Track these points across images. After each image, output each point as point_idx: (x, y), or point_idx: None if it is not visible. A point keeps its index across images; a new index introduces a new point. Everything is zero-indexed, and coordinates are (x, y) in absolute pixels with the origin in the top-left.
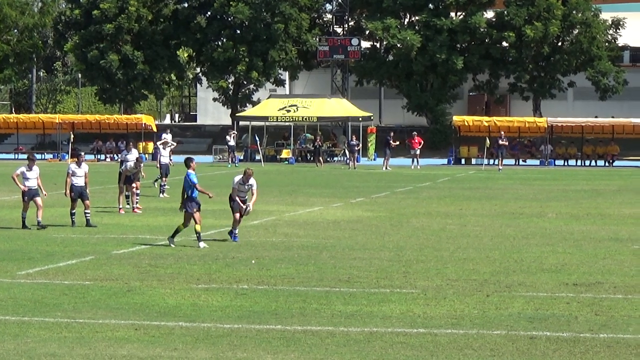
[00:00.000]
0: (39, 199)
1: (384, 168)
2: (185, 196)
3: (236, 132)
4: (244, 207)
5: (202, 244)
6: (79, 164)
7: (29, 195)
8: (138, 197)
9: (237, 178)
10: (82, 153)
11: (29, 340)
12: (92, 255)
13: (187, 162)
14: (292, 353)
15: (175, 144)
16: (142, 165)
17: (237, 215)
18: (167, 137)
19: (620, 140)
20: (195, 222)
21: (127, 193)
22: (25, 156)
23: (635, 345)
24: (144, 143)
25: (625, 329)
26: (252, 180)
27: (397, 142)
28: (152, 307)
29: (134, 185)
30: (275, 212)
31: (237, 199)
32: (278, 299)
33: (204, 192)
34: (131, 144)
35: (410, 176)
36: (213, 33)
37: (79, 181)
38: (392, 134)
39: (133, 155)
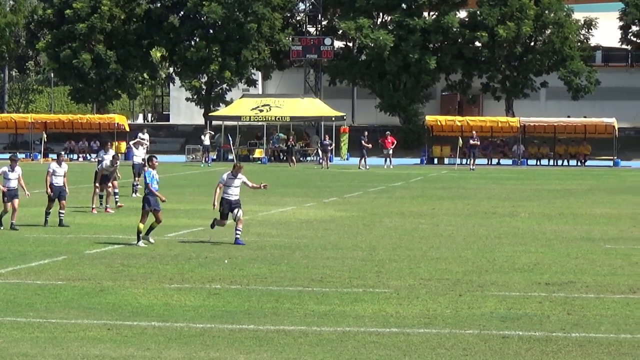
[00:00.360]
0: (16, 201)
1: (366, 167)
2: (144, 194)
3: (212, 132)
4: (262, 186)
5: (141, 243)
6: (59, 163)
7: (9, 196)
8: (117, 197)
9: (227, 173)
10: (63, 152)
11: (1, 341)
12: (64, 255)
13: (148, 161)
14: (265, 353)
15: (148, 143)
16: (118, 163)
17: (225, 221)
18: (144, 137)
19: (592, 140)
20: (156, 220)
21: (101, 193)
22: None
23: (607, 344)
24: (116, 143)
25: (597, 328)
26: (241, 175)
27: (370, 145)
28: (124, 307)
29: (110, 185)
30: (248, 211)
31: (222, 195)
32: (251, 298)
33: (155, 194)
34: (109, 144)
35: (383, 176)
36: (186, 33)
37: (59, 181)
38: (366, 133)
39: (110, 155)
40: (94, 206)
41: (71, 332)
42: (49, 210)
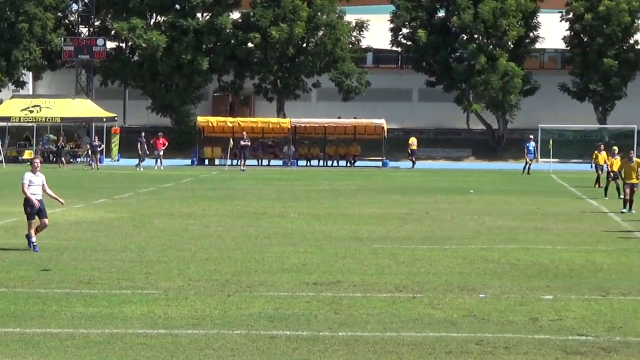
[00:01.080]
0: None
1: (140, 169)
2: None
3: None
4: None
5: None
6: None
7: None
8: None
9: (28, 174)
10: None
11: None
12: None
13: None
14: (31, 356)
15: None
16: None
17: (33, 221)
18: None
19: (362, 140)
20: None
21: None
22: None
23: (373, 343)
24: None
25: (364, 327)
26: (40, 174)
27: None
28: None
29: None
30: (16, 213)
31: (32, 198)
32: (17, 301)
33: None
34: None
35: (154, 177)
36: None
37: None
38: (143, 134)
39: None
40: None
41: None
42: None
